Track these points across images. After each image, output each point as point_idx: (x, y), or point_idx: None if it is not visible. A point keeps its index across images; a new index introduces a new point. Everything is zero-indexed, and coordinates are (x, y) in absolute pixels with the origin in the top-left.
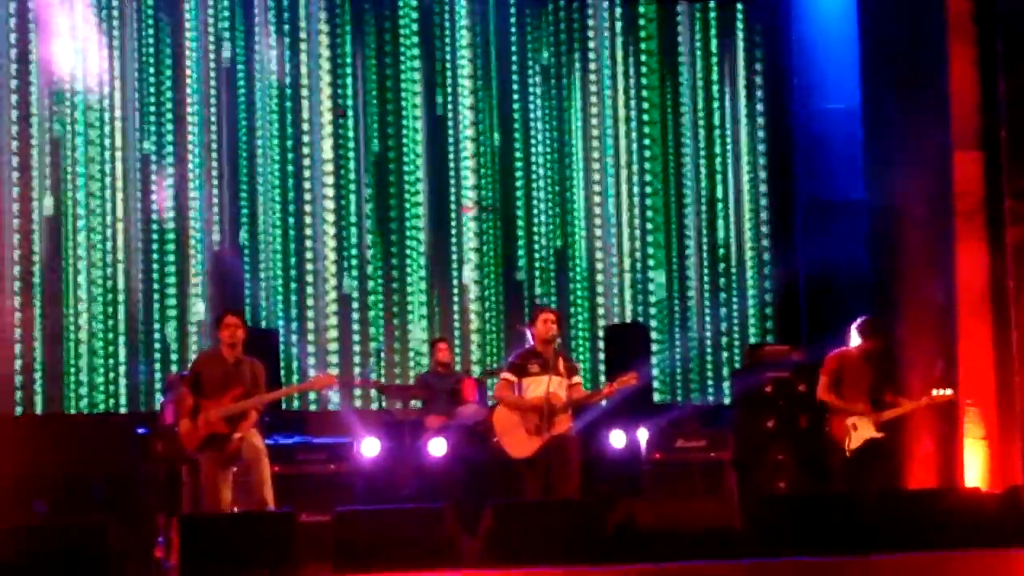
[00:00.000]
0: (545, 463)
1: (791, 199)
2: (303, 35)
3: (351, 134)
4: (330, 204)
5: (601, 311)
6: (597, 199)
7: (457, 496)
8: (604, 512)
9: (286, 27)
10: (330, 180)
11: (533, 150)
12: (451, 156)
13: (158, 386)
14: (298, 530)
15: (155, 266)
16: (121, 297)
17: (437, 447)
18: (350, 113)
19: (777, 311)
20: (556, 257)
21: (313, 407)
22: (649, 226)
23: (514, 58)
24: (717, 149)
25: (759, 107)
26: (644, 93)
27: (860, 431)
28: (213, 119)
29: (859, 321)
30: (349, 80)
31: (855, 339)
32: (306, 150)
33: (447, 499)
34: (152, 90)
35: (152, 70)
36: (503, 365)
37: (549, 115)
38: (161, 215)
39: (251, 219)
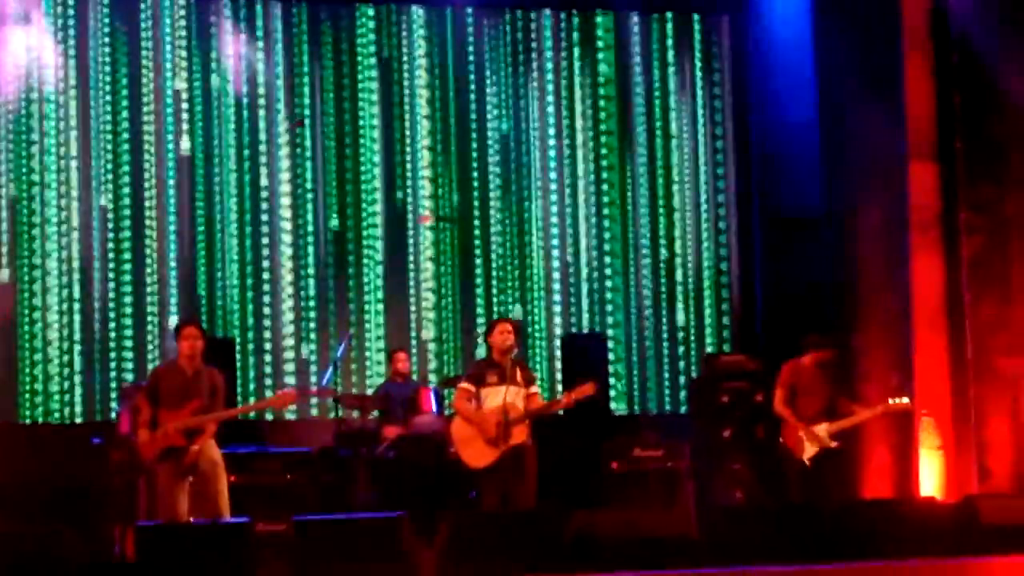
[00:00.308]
0: (503, 474)
1: (750, 212)
2: (260, 45)
3: (308, 143)
4: (287, 212)
5: (558, 320)
6: (554, 209)
7: (413, 506)
8: (561, 522)
9: (243, 36)
10: (287, 188)
11: (490, 160)
12: (408, 166)
13: (114, 395)
14: (254, 539)
15: (111, 273)
16: (77, 305)
17: (396, 457)
18: (307, 123)
19: (734, 321)
20: (514, 267)
21: (270, 416)
22: (607, 235)
23: (471, 67)
24: (675, 160)
25: (717, 119)
26: (601, 103)
27: (814, 442)
28: (170, 129)
29: (807, 337)
30: (306, 90)
31: (808, 351)
32: (263, 159)
33: (403, 509)
34: (108, 98)
35: (108, 79)
36: (461, 376)
37: (507, 125)
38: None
39: (208, 226)
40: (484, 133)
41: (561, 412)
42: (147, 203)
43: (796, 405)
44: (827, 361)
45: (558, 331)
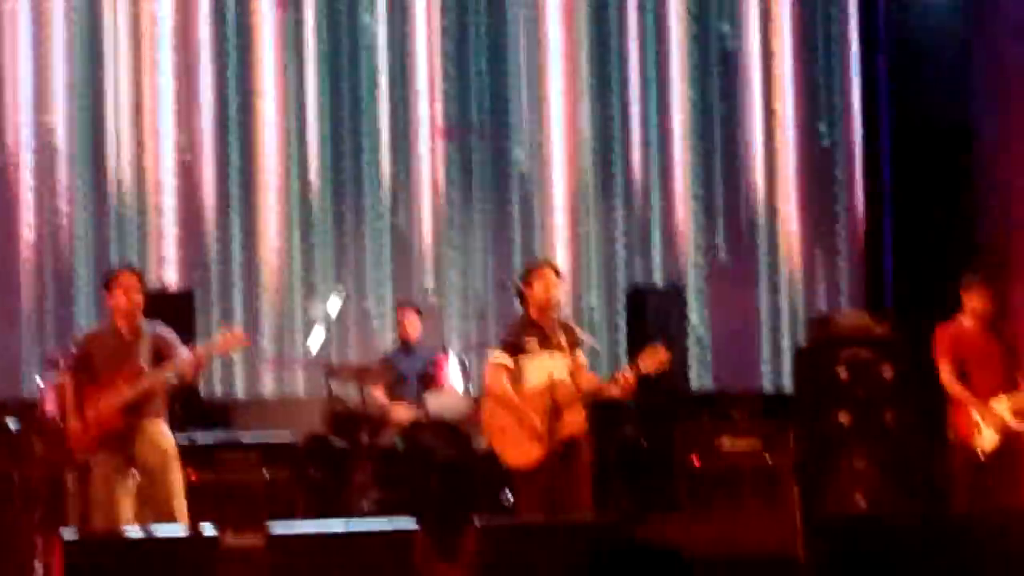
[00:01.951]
0: (550, 474)
1: (879, 120)
2: None
3: (295, 32)
4: (265, 117)
5: (621, 269)
6: (614, 111)
7: (429, 513)
8: (625, 534)
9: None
10: (268, 87)
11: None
12: (417, 67)
13: (36, 365)
14: (220, 556)
15: (28, 206)
16: None
17: (405, 447)
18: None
19: (854, 268)
20: (561, 194)
21: (241, 394)
22: (681, 150)
23: None
24: (777, 48)
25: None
26: None
27: (995, 425)
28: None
29: (967, 279)
30: None
31: (968, 305)
32: (234, 52)
33: (416, 516)
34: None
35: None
36: (494, 345)
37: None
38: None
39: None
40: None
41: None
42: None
43: (967, 381)
44: (990, 314)
45: (620, 282)
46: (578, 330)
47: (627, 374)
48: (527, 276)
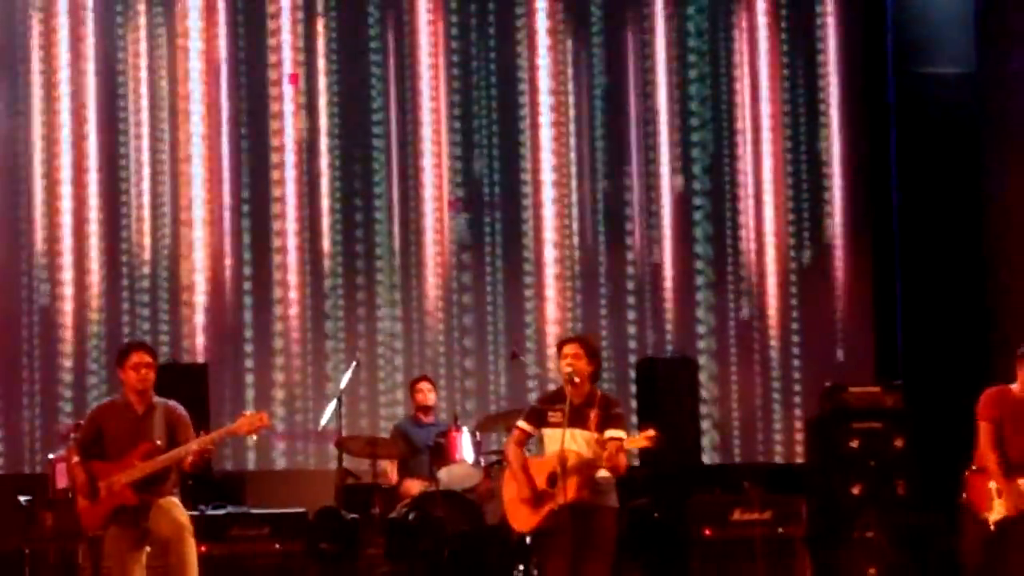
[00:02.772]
0: (562, 538)
1: (886, 192)
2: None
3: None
4: (277, 191)
5: (632, 337)
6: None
7: None
8: None
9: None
10: (277, 165)
11: (543, 122)
12: (433, 135)
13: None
14: None
15: (40, 283)
16: None
17: (418, 520)
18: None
19: (865, 340)
20: (574, 269)
21: (252, 466)
22: (698, 232)
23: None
24: (787, 120)
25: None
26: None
27: (1012, 499)
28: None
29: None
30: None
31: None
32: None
33: None
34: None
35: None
36: (512, 413)
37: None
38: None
39: (172, 217)
40: (536, 97)
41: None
42: (92, 190)
43: (1001, 446)
44: None
45: (632, 353)
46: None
47: (610, 449)
48: (558, 351)
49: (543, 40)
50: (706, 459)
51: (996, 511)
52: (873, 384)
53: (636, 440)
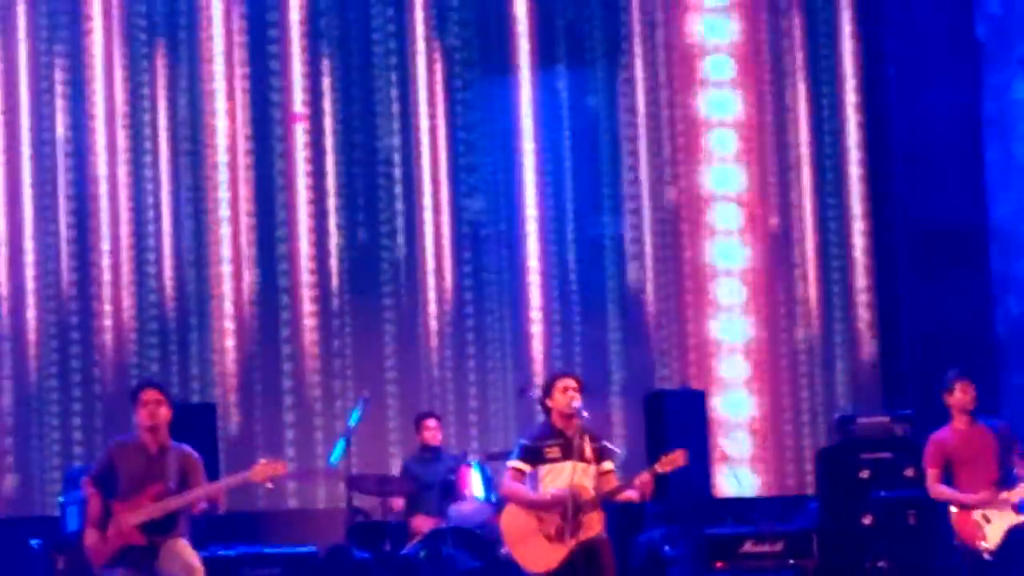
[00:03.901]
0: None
1: (891, 227)
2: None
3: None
4: (284, 232)
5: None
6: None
7: None
8: None
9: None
10: (282, 199)
11: (544, 156)
12: (429, 165)
13: (58, 482)
14: None
15: (52, 326)
16: (8, 368)
17: (427, 557)
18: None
19: (874, 372)
20: (576, 300)
21: (262, 503)
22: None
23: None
24: (791, 158)
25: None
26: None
27: (996, 521)
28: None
29: (947, 378)
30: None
31: (952, 404)
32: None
33: None
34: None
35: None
36: (512, 450)
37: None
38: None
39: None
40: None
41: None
42: (100, 234)
43: (960, 481)
44: (972, 407)
45: (639, 387)
46: (603, 441)
47: (644, 477)
48: (549, 386)
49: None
50: (716, 491)
51: (991, 538)
52: (882, 414)
53: (670, 461)
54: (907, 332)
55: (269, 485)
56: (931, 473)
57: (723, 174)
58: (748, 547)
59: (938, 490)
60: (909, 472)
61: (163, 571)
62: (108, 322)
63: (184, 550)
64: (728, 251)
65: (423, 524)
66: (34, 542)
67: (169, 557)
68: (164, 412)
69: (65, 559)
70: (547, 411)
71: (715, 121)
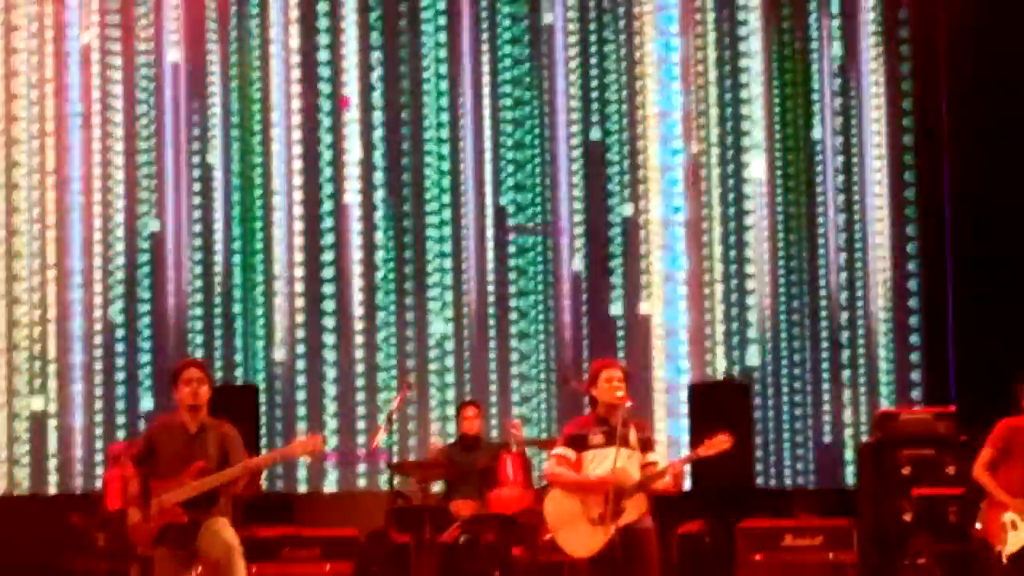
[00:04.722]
0: (613, 563)
1: (940, 209)
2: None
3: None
4: (328, 221)
5: (685, 365)
6: (677, 213)
7: None
8: None
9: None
10: (328, 188)
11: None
12: (488, 162)
13: (99, 459)
14: None
15: (99, 307)
16: (52, 346)
17: (467, 542)
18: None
19: (918, 365)
20: (627, 293)
21: (303, 487)
22: (749, 253)
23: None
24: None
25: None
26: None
27: (1022, 530)
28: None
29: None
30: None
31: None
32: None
33: None
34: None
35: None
36: (555, 438)
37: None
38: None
39: (224, 236)
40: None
41: (685, 482)
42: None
43: (1005, 475)
44: None
45: (684, 379)
46: (649, 432)
47: (675, 461)
48: (594, 374)
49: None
50: (758, 483)
51: (1010, 543)
52: (925, 410)
53: (714, 444)
54: (953, 325)
55: (308, 459)
56: (986, 453)
57: None
58: (788, 540)
59: (984, 474)
60: (950, 469)
61: (203, 549)
62: (147, 305)
63: (224, 529)
64: None
65: (463, 509)
66: (75, 518)
67: (209, 535)
68: (205, 391)
69: (105, 534)
70: (592, 401)
71: None
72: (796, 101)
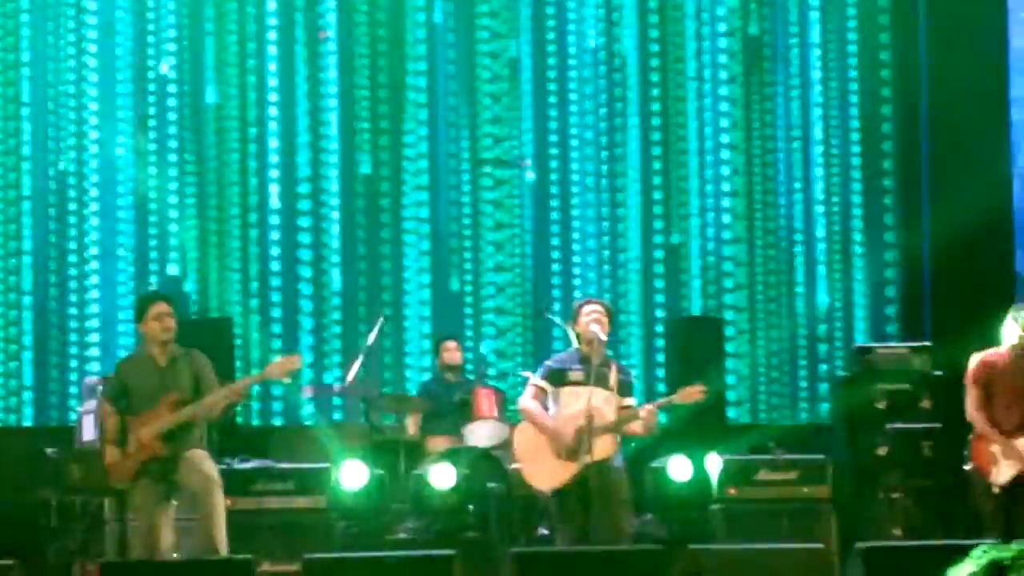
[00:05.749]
0: (582, 498)
1: (917, 147)
2: None
3: (331, 61)
4: (305, 154)
5: (659, 300)
6: (656, 147)
7: (468, 543)
8: (663, 563)
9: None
10: (305, 122)
11: (571, 79)
12: (464, 94)
13: (74, 392)
14: None
15: (72, 241)
16: (28, 281)
17: (442, 476)
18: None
19: (893, 299)
20: (602, 228)
21: (278, 420)
22: (725, 187)
23: None
24: (815, 73)
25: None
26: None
27: (1015, 461)
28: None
29: (1015, 311)
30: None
31: (1009, 336)
32: (270, 80)
33: (455, 544)
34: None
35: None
36: (541, 365)
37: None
38: None
39: (197, 172)
40: (564, 51)
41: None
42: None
43: (991, 412)
44: None
45: (659, 313)
46: (630, 375)
47: (648, 407)
48: (575, 311)
49: None
50: (732, 419)
51: (1003, 474)
52: (900, 344)
53: (688, 394)
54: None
55: (286, 380)
56: (974, 392)
57: None
58: (762, 475)
59: (978, 418)
60: (925, 404)
61: (182, 481)
62: (125, 234)
63: (203, 461)
64: None
65: (438, 443)
66: (50, 451)
67: (188, 467)
68: (172, 324)
69: (80, 468)
70: (575, 336)
71: None
72: None
